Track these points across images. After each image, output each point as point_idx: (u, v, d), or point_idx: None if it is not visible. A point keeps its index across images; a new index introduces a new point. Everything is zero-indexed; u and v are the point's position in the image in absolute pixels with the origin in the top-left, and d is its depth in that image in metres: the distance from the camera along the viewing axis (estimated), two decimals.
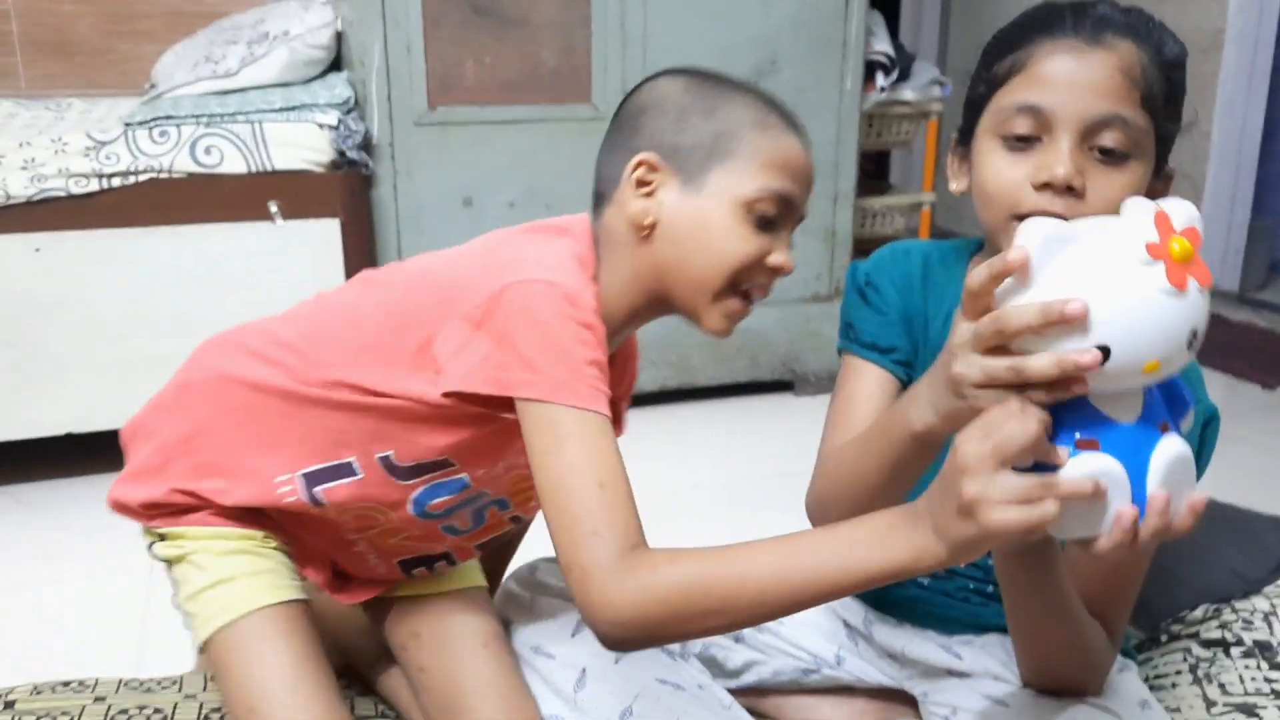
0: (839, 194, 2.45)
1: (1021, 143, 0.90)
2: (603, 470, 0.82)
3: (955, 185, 1.01)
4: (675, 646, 1.13)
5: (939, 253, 1.09)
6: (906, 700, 1.16)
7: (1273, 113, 2.85)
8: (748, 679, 1.16)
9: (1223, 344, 2.69)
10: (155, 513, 1.02)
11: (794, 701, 1.19)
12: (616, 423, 1.02)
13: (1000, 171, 0.91)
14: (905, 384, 1.07)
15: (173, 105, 1.98)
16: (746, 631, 1.15)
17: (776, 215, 0.92)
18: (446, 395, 0.91)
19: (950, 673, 1.10)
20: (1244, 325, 2.81)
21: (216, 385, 1.02)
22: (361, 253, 2.07)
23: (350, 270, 2.05)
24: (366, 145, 2.07)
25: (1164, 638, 1.17)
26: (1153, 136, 0.89)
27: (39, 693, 1.11)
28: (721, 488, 2.06)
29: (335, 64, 2.22)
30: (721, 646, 1.15)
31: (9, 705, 1.08)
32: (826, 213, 2.46)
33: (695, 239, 0.92)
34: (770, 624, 1.16)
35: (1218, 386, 2.66)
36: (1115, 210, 0.74)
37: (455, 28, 2.11)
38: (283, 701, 0.94)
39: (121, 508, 1.03)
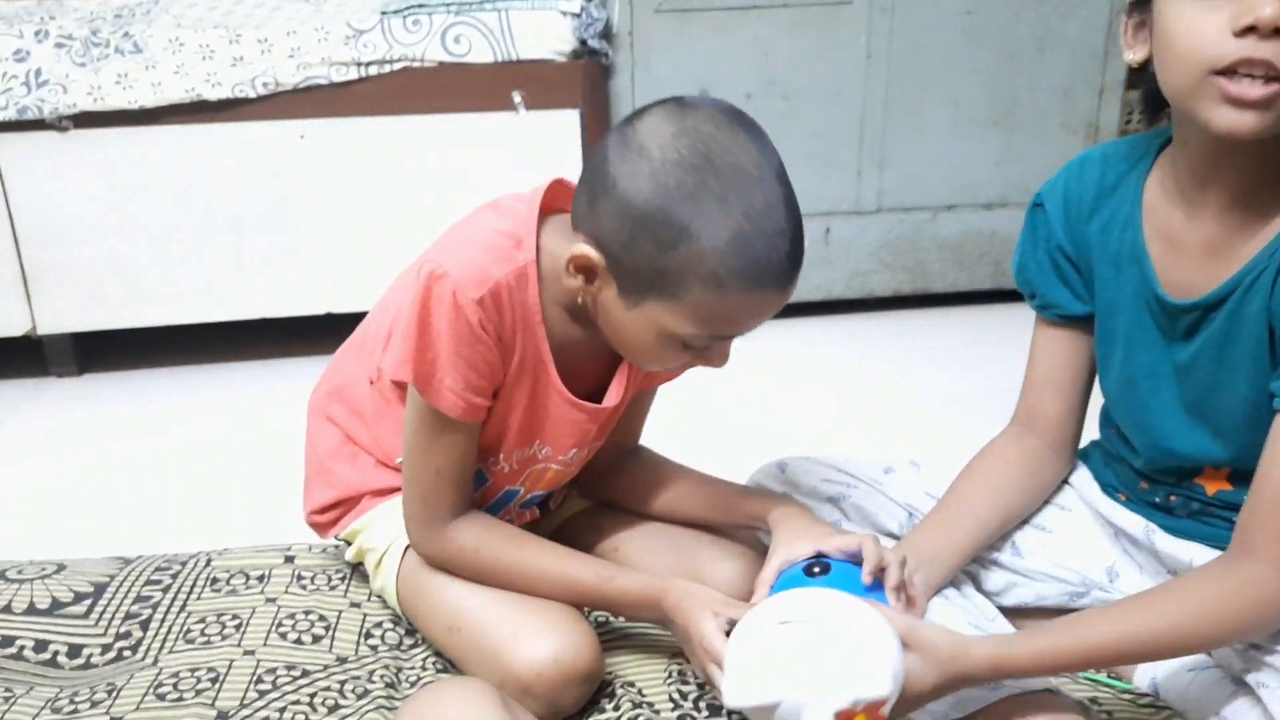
0: (1105, 85, 2.23)
1: None
2: (440, 461, 0.98)
3: (1132, 55, 0.90)
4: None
5: (1123, 161, 0.98)
6: None
7: None
8: (1006, 601, 1.10)
9: None
10: (332, 518, 1.14)
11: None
12: (657, 375, 1.08)
13: (1192, 23, 0.80)
14: (1088, 325, 1.02)
15: None
16: (1003, 556, 1.08)
17: (712, 344, 0.91)
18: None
19: None
20: None
21: (337, 408, 1.15)
22: None
23: None
24: (607, 34, 2.04)
25: None
26: None
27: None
28: (958, 399, 1.96)
29: None
30: (977, 566, 1.09)
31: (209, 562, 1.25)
32: (1090, 106, 2.25)
33: (624, 336, 0.92)
34: (1032, 542, 1.09)
35: None
36: None
37: None
38: (478, 609, 1.02)
39: (315, 527, 1.18)
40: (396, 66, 1.95)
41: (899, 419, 1.91)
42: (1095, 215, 1.00)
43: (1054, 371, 1.06)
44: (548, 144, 2.03)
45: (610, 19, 2.05)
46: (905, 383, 2.05)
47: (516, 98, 1.99)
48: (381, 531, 1.10)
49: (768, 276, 0.85)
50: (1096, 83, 2.22)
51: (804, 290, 2.28)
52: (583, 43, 2.01)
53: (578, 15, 2.00)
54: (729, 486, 1.11)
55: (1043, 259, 1.04)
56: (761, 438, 1.83)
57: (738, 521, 1.08)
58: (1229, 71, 0.81)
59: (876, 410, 1.95)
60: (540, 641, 0.96)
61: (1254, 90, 0.80)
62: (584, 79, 2.01)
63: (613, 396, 1.04)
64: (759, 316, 0.89)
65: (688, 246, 0.83)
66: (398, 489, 1.08)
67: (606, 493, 1.18)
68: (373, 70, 1.95)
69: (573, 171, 2.05)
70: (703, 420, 1.91)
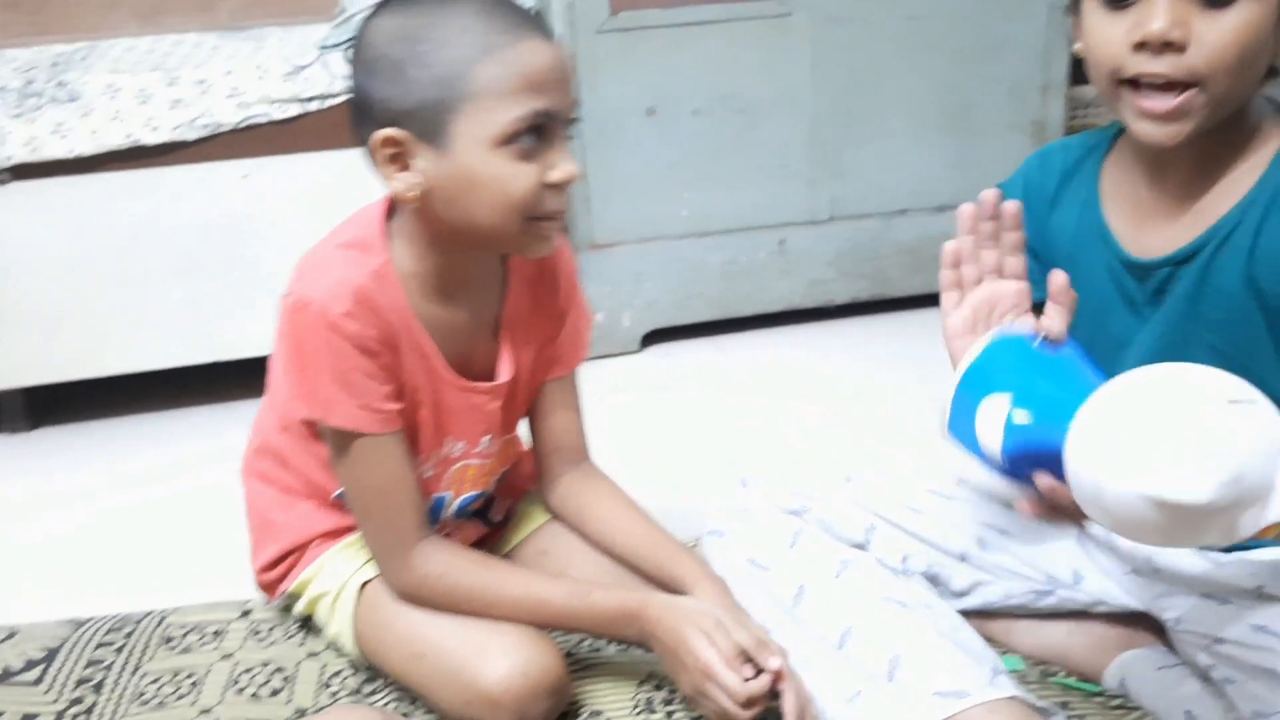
0: (1049, 83, 2.25)
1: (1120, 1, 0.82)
2: (378, 481, 0.96)
3: (1078, 46, 0.93)
4: (897, 563, 1.07)
5: (1079, 150, 1.01)
6: (1152, 626, 1.07)
7: None
8: (973, 601, 1.09)
9: None
10: (282, 571, 1.12)
11: (1025, 625, 1.12)
12: (561, 351, 1.10)
13: (1099, 32, 0.84)
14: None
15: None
16: (973, 551, 1.08)
17: (537, 136, 0.87)
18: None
19: (1205, 592, 1.00)
20: None
21: (268, 460, 1.14)
22: None
23: None
24: None
25: None
26: None
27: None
28: (923, 401, 1.96)
29: None
30: (945, 565, 1.08)
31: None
32: (1035, 104, 2.26)
33: (467, 196, 0.88)
34: (999, 540, 1.08)
35: None
36: (1230, 58, 0.79)
37: None
38: (439, 638, 1.01)
39: (264, 587, 1.16)
40: (339, 100, 1.93)
41: (865, 424, 1.90)
42: (1057, 204, 1.01)
43: None
44: None
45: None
46: (869, 388, 2.05)
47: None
48: (334, 573, 1.08)
49: (518, 24, 0.87)
50: (1040, 81, 2.24)
51: (764, 301, 2.28)
52: None
53: None
54: (665, 543, 1.08)
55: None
56: (727, 449, 1.82)
57: (660, 579, 1.06)
58: (1136, 82, 0.83)
59: (842, 416, 1.94)
60: (506, 656, 0.96)
61: (1161, 104, 0.82)
62: None
63: (505, 370, 1.04)
64: (545, 71, 0.87)
65: (441, 43, 0.86)
66: (345, 529, 1.06)
67: (557, 508, 1.16)
68: (314, 105, 1.93)
69: None
70: (668, 432, 1.90)
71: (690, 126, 2.15)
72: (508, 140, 0.87)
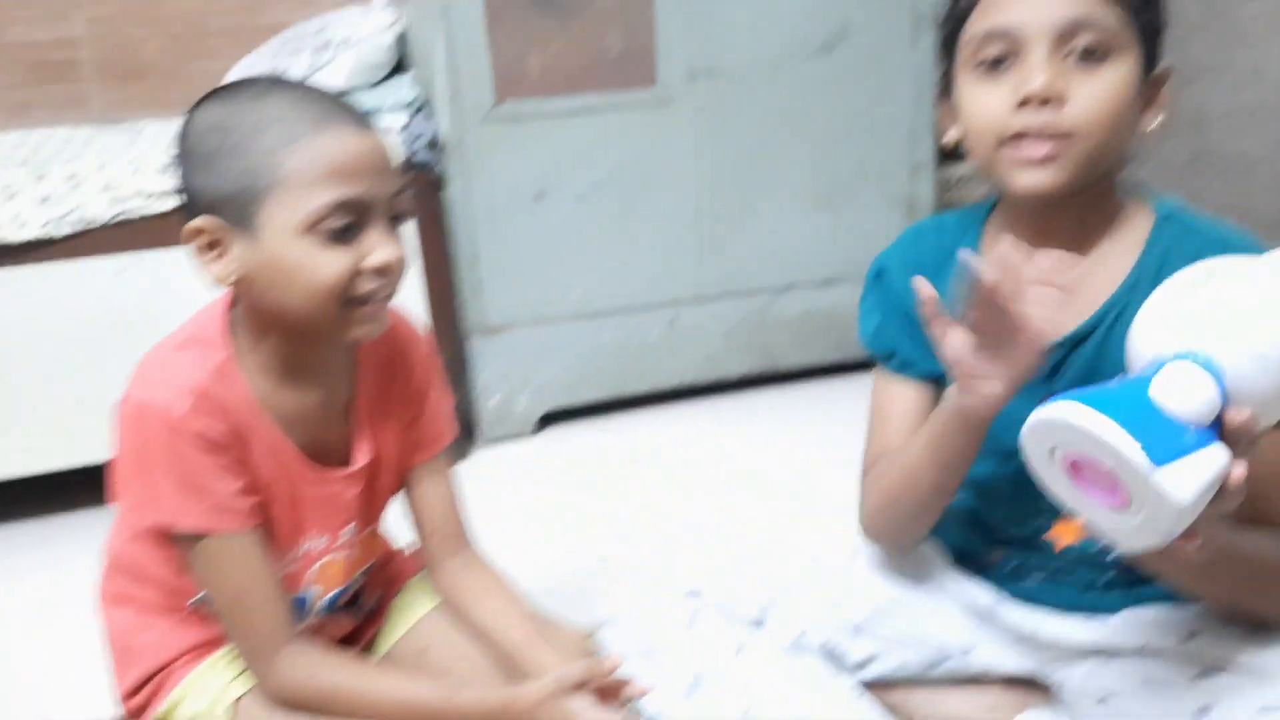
0: (917, 163, 2.37)
1: (996, 66, 0.88)
2: (237, 583, 0.93)
3: (951, 134, 0.98)
4: (794, 640, 1.08)
5: (955, 226, 1.05)
6: (1041, 691, 1.10)
7: None
8: (869, 673, 1.10)
9: None
10: (147, 697, 1.06)
11: (921, 695, 1.13)
12: (423, 433, 1.08)
13: (981, 99, 0.89)
14: (938, 388, 1.06)
15: None
16: (869, 622, 1.09)
17: (350, 221, 0.87)
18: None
19: (1091, 653, 1.03)
20: None
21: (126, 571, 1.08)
22: (437, 255, 2.05)
23: (428, 273, 2.04)
24: (435, 145, 2.05)
25: None
26: (1131, 31, 0.87)
27: None
28: (812, 471, 2.00)
29: (400, 66, 2.21)
30: (842, 638, 1.10)
31: None
32: (905, 183, 2.37)
33: (279, 283, 0.89)
34: (894, 610, 1.10)
35: None
36: (1105, 112, 0.85)
37: (518, 20, 2.07)
38: None
39: (130, 716, 1.08)
40: None
41: (761, 497, 1.93)
42: (938, 276, 1.03)
43: (898, 432, 1.06)
44: None
45: (437, 131, 2.05)
46: (763, 463, 2.07)
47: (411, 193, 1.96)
48: (203, 692, 1.02)
49: (330, 115, 0.88)
50: (909, 161, 2.35)
51: (657, 378, 2.31)
52: (411, 155, 2.00)
53: (404, 129, 2.00)
54: (538, 641, 1.06)
55: (898, 320, 1.06)
56: (626, 532, 1.81)
57: (526, 667, 1.04)
58: (1015, 138, 0.88)
59: (737, 492, 1.96)
60: None
61: (1039, 150, 0.87)
62: (416, 191, 2.00)
63: (361, 455, 1.03)
64: (355, 159, 0.88)
65: (252, 133, 0.87)
66: (211, 642, 1.02)
67: (443, 594, 1.14)
68: None
69: (411, 283, 2.02)
70: (566, 516, 1.88)
71: (578, 210, 2.18)
72: (313, 227, 0.87)
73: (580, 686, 0.91)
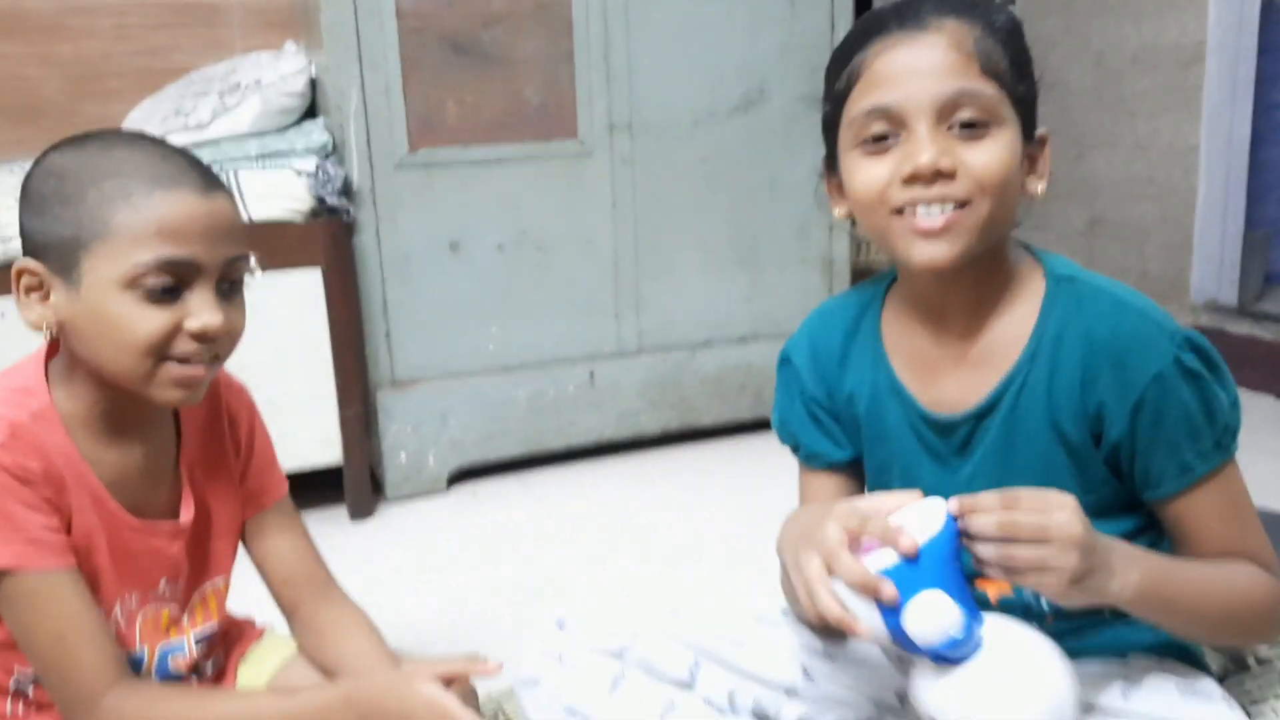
0: (834, 223, 2.39)
1: (881, 142, 0.88)
2: (55, 625, 0.87)
3: (838, 211, 0.98)
4: (724, 701, 1.02)
5: (855, 307, 1.05)
6: None
7: (1258, 124, 2.83)
8: None
9: (1228, 358, 2.63)
10: None
11: None
12: (252, 488, 1.05)
13: (869, 174, 0.89)
14: (854, 469, 1.05)
15: None
16: (799, 683, 1.05)
17: (173, 282, 0.86)
18: None
19: None
20: (1247, 338, 2.76)
21: None
22: (345, 303, 1.98)
23: (335, 323, 1.96)
24: (347, 191, 1.98)
25: (1252, 661, 1.08)
26: (1008, 102, 0.88)
27: None
28: (733, 532, 1.96)
29: (311, 111, 2.15)
30: (773, 700, 1.04)
31: None
32: (822, 241, 2.39)
33: (95, 334, 0.88)
34: (825, 668, 1.05)
35: None
36: (994, 179, 0.85)
37: (434, 68, 2.04)
38: None
39: None
40: None
41: (684, 555, 1.87)
42: (844, 362, 1.02)
43: None
44: (287, 306, 1.92)
45: (349, 175, 1.99)
46: (684, 518, 2.03)
47: (250, 260, 1.87)
48: None
49: (172, 175, 0.86)
50: (827, 220, 2.38)
51: (574, 434, 2.25)
52: (321, 200, 1.94)
53: (313, 174, 1.93)
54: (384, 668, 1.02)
55: (800, 411, 1.05)
56: (541, 589, 1.74)
57: None
58: (910, 211, 0.87)
59: (659, 548, 1.91)
60: None
61: (935, 221, 0.86)
62: (324, 237, 1.93)
63: (185, 510, 0.99)
64: (191, 222, 0.86)
65: (92, 184, 0.85)
66: (42, 711, 0.93)
67: (299, 643, 1.08)
68: None
69: (316, 335, 1.94)
70: (478, 574, 1.80)
71: (494, 261, 2.13)
72: (134, 282, 0.85)
73: (426, 676, 0.88)
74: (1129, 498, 0.92)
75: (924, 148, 0.85)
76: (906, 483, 0.99)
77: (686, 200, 2.27)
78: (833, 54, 0.94)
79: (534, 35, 2.10)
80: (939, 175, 0.85)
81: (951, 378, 0.96)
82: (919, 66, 0.86)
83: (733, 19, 2.22)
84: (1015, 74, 0.88)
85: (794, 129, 2.30)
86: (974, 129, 0.86)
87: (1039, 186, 0.93)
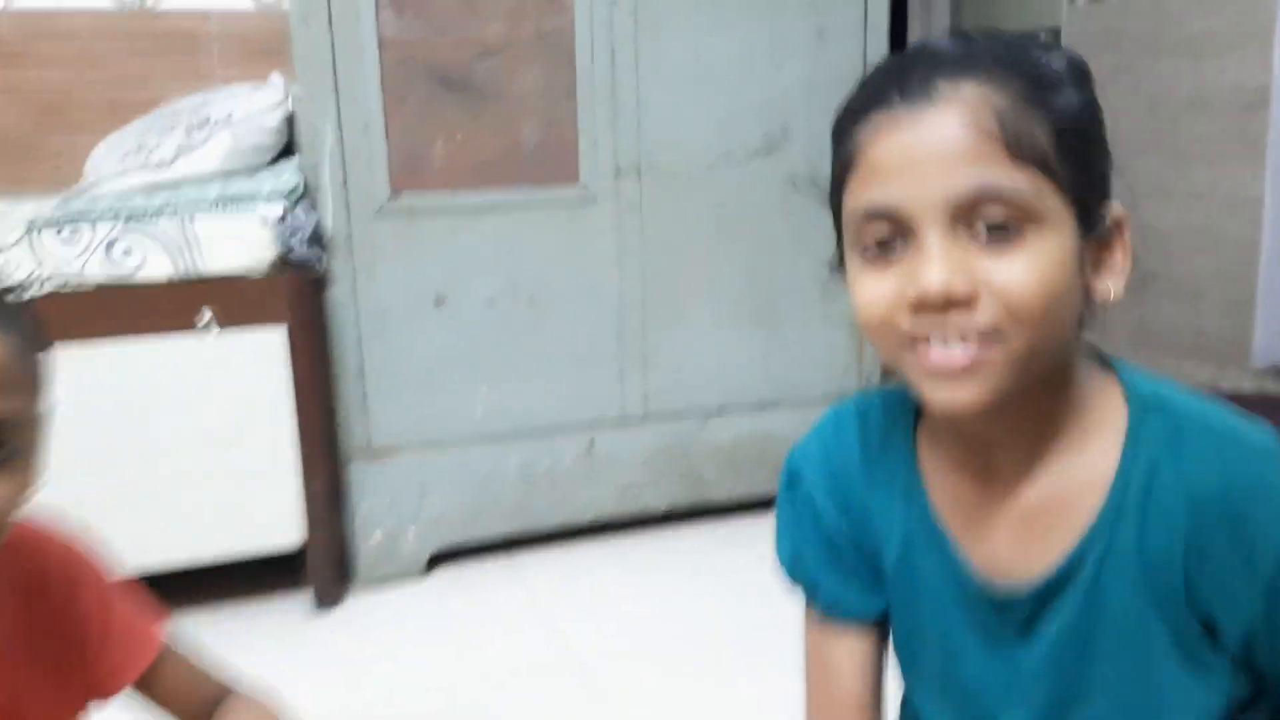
0: None
1: (884, 251, 0.65)
2: None
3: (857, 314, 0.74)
4: None
5: (880, 419, 0.80)
6: None
7: None
8: None
9: None
10: None
11: None
12: (122, 652, 0.90)
13: (871, 291, 0.66)
14: (883, 628, 0.81)
15: (90, 201, 1.69)
16: None
17: None
18: None
19: None
20: None
21: None
22: (313, 364, 1.76)
23: (300, 388, 1.74)
24: (319, 240, 1.77)
25: None
26: (1052, 190, 0.63)
27: None
28: (749, 620, 1.72)
29: (289, 151, 1.95)
30: None
31: None
32: (849, 298, 2.16)
33: None
34: None
35: None
36: (1031, 302, 0.62)
37: (421, 103, 1.84)
38: None
39: None
40: (47, 288, 1.60)
41: (693, 651, 1.64)
42: (869, 481, 0.79)
43: (849, 692, 0.80)
44: (246, 367, 1.71)
45: (322, 223, 1.79)
46: (691, 608, 1.79)
47: (204, 317, 1.67)
48: None
49: None
50: None
51: (569, 511, 2.02)
52: (288, 251, 1.73)
53: (280, 220, 1.73)
54: None
55: (817, 546, 0.80)
56: (526, 690, 1.51)
57: None
58: (923, 342, 0.64)
59: (663, 644, 1.68)
60: None
61: (954, 359, 0.63)
62: (290, 291, 1.72)
63: None
64: None
65: None
66: None
67: None
68: (14, 295, 1.59)
69: (278, 400, 1.72)
70: (459, 671, 1.57)
71: (484, 316, 1.92)
72: None
73: None
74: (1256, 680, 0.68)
75: (932, 267, 0.62)
76: (948, 665, 0.75)
77: (699, 251, 2.05)
78: (834, 119, 0.72)
79: (532, 68, 1.89)
80: (954, 303, 0.62)
81: (1005, 532, 0.72)
82: (923, 155, 0.63)
83: (752, 51, 2.01)
84: (1066, 149, 0.63)
85: (820, 173, 2.08)
86: (1003, 233, 0.62)
87: (1113, 287, 0.68)
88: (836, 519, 0.79)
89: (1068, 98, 0.64)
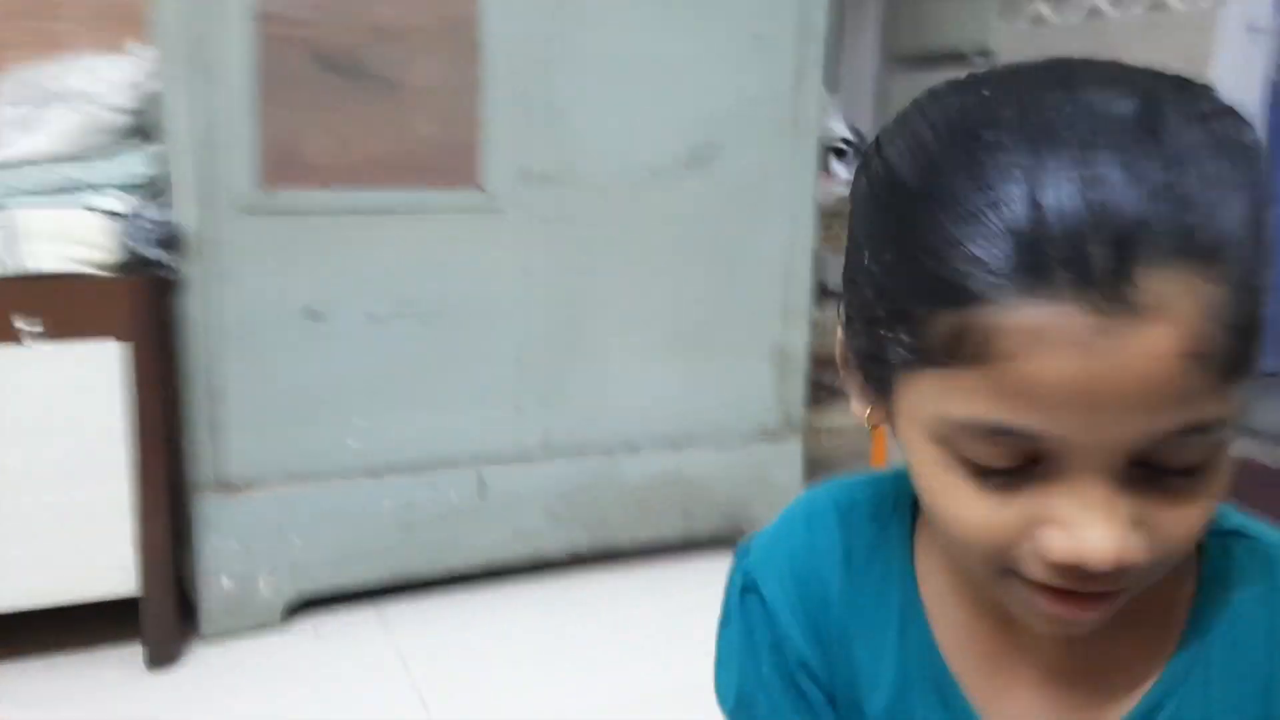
0: (789, 308, 1.99)
1: (1002, 475, 0.45)
2: None
3: (856, 412, 0.53)
4: None
5: (867, 520, 0.60)
6: None
7: None
8: None
9: None
10: None
11: None
12: None
13: (975, 518, 0.46)
14: None
15: None
16: None
17: None
18: None
19: None
20: None
21: None
22: (158, 384, 1.52)
23: (140, 408, 1.50)
24: (171, 241, 1.53)
25: None
26: (1231, 399, 0.44)
27: None
28: (656, 677, 1.52)
29: (149, 137, 1.70)
30: None
31: None
32: (775, 330, 1.99)
33: None
34: None
35: None
36: (1192, 539, 0.46)
37: (301, 87, 1.61)
38: None
39: None
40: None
41: (593, 711, 1.45)
42: (851, 604, 0.59)
43: None
44: (76, 386, 1.46)
45: (175, 221, 1.54)
46: (590, 664, 1.60)
47: (23, 325, 1.42)
48: None
49: None
50: (781, 303, 1.98)
51: (455, 557, 1.80)
52: (132, 252, 1.49)
53: (124, 216, 1.48)
54: None
55: (775, 683, 0.60)
56: None
57: None
58: (1047, 590, 0.46)
59: (561, 705, 1.48)
60: None
61: (1087, 612, 0.46)
62: (131, 298, 1.48)
63: None
64: None
65: None
66: None
67: None
68: None
69: (111, 423, 1.47)
70: None
71: (365, 335, 1.69)
72: None
73: None
74: None
75: (1096, 532, 0.44)
76: None
77: (614, 271, 1.85)
78: (921, 240, 0.44)
79: (432, 56, 1.68)
80: (1110, 574, 0.44)
81: (1036, 685, 0.55)
82: (1117, 391, 0.42)
83: (685, 54, 1.82)
84: (1245, 351, 0.43)
85: (749, 194, 1.91)
86: (1187, 478, 0.45)
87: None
88: (804, 649, 0.59)
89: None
